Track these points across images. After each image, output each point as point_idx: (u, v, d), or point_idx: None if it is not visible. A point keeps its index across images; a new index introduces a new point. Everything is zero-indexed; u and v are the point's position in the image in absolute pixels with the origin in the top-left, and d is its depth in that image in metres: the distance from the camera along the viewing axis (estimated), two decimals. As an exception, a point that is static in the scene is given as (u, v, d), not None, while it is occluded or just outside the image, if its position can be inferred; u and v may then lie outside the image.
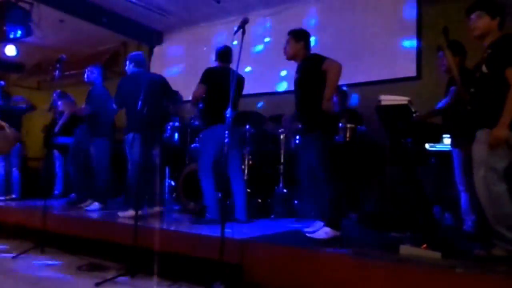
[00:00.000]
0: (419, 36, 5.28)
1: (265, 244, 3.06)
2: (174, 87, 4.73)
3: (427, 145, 4.10)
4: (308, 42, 3.56)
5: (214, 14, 6.78)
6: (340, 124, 4.38)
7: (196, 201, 4.56)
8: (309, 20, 6.16)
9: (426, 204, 3.95)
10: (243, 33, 3.10)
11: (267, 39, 6.57)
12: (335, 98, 5.02)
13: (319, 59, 3.35)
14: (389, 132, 3.86)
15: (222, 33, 6.85)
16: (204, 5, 6.51)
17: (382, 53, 5.49)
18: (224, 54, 4.19)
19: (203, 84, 4.02)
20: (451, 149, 3.68)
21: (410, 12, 5.37)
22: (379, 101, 3.44)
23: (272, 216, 4.50)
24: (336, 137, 4.35)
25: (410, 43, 5.34)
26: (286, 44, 3.57)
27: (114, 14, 6.82)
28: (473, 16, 2.79)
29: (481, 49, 2.85)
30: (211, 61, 6.55)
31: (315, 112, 3.29)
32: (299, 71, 3.51)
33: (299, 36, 3.54)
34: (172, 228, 3.75)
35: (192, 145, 5.33)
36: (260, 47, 6.64)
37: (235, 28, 3.13)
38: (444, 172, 4.00)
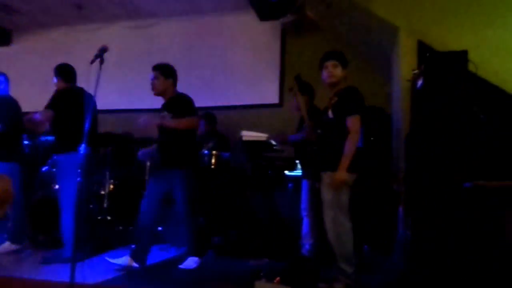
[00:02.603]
0: (282, 66, 5.66)
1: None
2: (22, 93, 4.19)
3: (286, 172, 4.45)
4: (176, 80, 3.57)
5: (74, 19, 6.25)
6: (205, 151, 4.42)
7: (47, 233, 4.10)
8: (174, 38, 6.15)
9: (283, 228, 4.26)
10: (102, 62, 2.91)
11: (131, 52, 6.29)
12: (202, 122, 5.12)
13: (185, 101, 3.47)
14: (251, 162, 4.06)
15: (78, 38, 6.40)
16: (63, 8, 5.95)
17: (248, 80, 5.74)
18: (70, 72, 3.84)
19: (52, 109, 3.61)
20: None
21: (274, 42, 5.72)
22: (241, 136, 3.58)
23: (133, 247, 4.30)
24: (201, 164, 4.39)
25: (274, 72, 5.69)
26: (154, 79, 3.50)
27: None
28: (328, 63, 3.05)
29: (329, 95, 3.18)
30: None
31: (179, 149, 3.37)
32: (166, 109, 3.49)
33: (168, 72, 3.53)
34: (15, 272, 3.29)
35: (44, 168, 4.80)
36: (121, 59, 6.32)
37: (94, 57, 2.91)
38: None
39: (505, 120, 3.41)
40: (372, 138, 4.42)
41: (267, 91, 5.66)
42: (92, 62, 2.90)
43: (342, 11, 4.22)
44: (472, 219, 2.62)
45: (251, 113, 5.66)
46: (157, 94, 3.53)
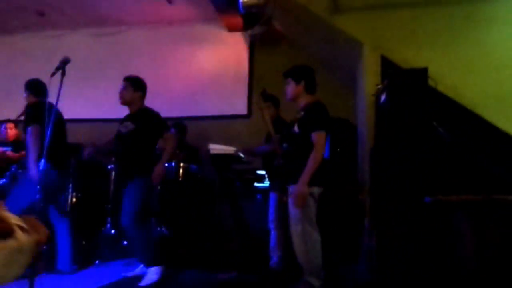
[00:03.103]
0: (250, 77, 5.70)
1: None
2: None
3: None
4: (145, 94, 3.53)
5: (37, 26, 6.05)
6: (172, 163, 4.36)
7: None
8: (141, 47, 6.10)
9: (251, 241, 4.26)
10: (63, 74, 2.83)
11: (94, 59, 6.15)
12: (172, 130, 5.07)
13: (154, 116, 3.44)
14: (219, 175, 4.04)
15: (41, 45, 6.22)
16: (25, 14, 5.76)
17: (216, 90, 5.74)
18: (41, 87, 3.70)
19: (36, 123, 3.44)
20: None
21: (243, 54, 5.75)
22: (209, 149, 3.57)
23: (97, 262, 4.18)
24: (170, 178, 4.33)
25: (242, 83, 5.72)
26: (123, 89, 3.45)
27: None
28: (285, 82, 3.12)
29: (295, 110, 3.22)
30: (26, 75, 5.94)
31: (139, 161, 3.34)
32: (131, 119, 3.43)
33: (138, 85, 3.48)
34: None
35: (1, 181, 4.59)
36: (83, 67, 6.18)
37: (55, 69, 2.83)
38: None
39: (462, 133, 3.56)
40: (338, 149, 4.52)
41: (236, 102, 5.67)
42: (53, 75, 2.82)
43: (308, 25, 4.30)
44: (433, 232, 2.71)
45: (220, 124, 5.65)
46: (124, 103, 3.48)
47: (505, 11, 3.46)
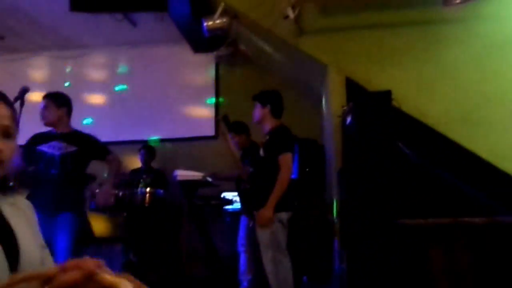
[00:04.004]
0: (217, 99, 5.65)
1: None
2: None
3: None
4: (70, 110, 3.20)
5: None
6: (140, 190, 4.22)
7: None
8: (106, 69, 5.98)
9: (221, 265, 4.15)
10: (22, 104, 2.68)
11: (66, 83, 5.95)
12: (142, 152, 4.92)
13: (90, 136, 3.19)
14: (187, 200, 3.94)
15: (6, 70, 5.94)
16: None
17: (183, 112, 5.66)
18: None
19: None
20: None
21: (209, 74, 5.70)
22: (175, 176, 3.47)
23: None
24: (136, 204, 4.18)
25: (210, 105, 5.65)
26: (44, 108, 3.07)
27: None
28: (254, 104, 3.13)
29: (262, 134, 3.20)
30: None
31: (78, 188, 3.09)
32: (70, 141, 3.08)
33: (61, 102, 3.13)
34: None
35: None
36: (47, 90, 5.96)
37: (14, 99, 2.65)
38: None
39: (428, 152, 3.61)
40: (307, 169, 4.51)
41: (202, 123, 5.59)
42: (13, 103, 2.66)
43: (274, 47, 4.31)
44: (403, 254, 2.70)
45: (186, 145, 5.54)
46: (48, 124, 3.10)
47: (465, 31, 3.56)
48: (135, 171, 4.97)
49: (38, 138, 3.12)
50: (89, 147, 3.14)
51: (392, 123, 3.07)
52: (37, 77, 6.02)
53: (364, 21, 3.75)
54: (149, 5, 2.84)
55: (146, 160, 5.02)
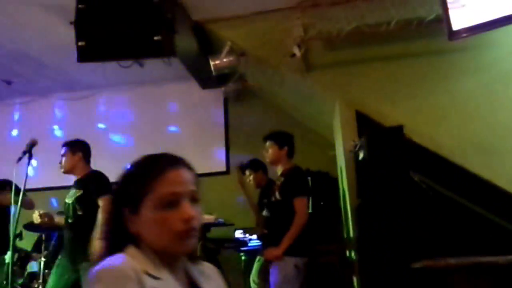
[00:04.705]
0: (227, 133, 5.64)
1: None
2: None
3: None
4: (86, 154, 3.24)
5: (4, 94, 5.91)
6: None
7: None
8: (114, 109, 6.04)
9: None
10: (30, 157, 2.69)
11: (68, 124, 6.01)
12: None
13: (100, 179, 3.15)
14: (200, 243, 3.87)
15: (10, 112, 6.09)
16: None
17: (193, 148, 5.62)
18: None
19: None
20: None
21: (217, 110, 5.72)
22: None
23: None
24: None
25: (219, 140, 5.64)
26: (62, 156, 3.14)
27: None
28: (266, 144, 3.10)
29: (275, 176, 3.16)
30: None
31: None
32: (78, 186, 3.12)
33: (76, 148, 3.17)
34: None
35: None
36: (58, 132, 6.03)
37: (22, 153, 2.67)
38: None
39: (445, 184, 3.52)
40: (321, 203, 4.42)
41: (214, 159, 5.56)
42: (19, 160, 2.69)
43: (281, 83, 4.31)
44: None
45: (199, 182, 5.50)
46: (66, 172, 3.16)
47: (476, 60, 3.50)
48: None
49: None
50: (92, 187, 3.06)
51: (406, 157, 3.00)
52: (45, 119, 6.06)
53: (372, 54, 3.73)
54: (157, 51, 2.87)
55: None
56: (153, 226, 0.94)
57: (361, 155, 3.20)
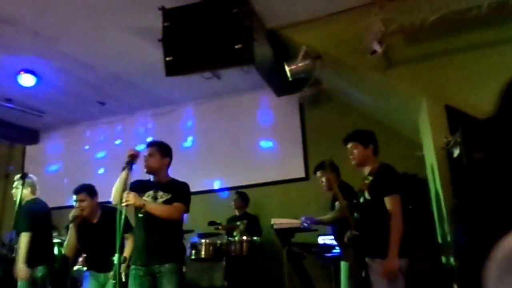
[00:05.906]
0: (304, 139, 5.59)
1: None
2: (52, 187, 4.16)
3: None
4: (171, 161, 3.21)
5: (96, 113, 6.45)
6: (236, 239, 4.20)
7: None
8: (195, 121, 6.28)
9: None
10: (130, 169, 2.85)
11: (149, 139, 6.36)
12: (235, 198, 4.99)
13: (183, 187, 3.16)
14: (285, 249, 3.84)
15: (103, 131, 6.64)
16: (87, 106, 6.18)
17: (272, 156, 5.68)
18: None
19: None
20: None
21: (293, 116, 5.70)
22: (272, 224, 3.42)
23: None
24: (232, 254, 4.16)
25: (297, 146, 5.61)
26: (149, 155, 3.09)
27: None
28: (348, 147, 2.99)
29: (361, 175, 3.03)
30: (92, 160, 6.30)
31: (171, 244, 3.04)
32: (162, 189, 3.08)
33: (166, 152, 3.16)
34: None
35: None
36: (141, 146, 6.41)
37: (126, 164, 2.85)
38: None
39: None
40: (410, 207, 4.17)
41: (292, 166, 5.53)
42: (124, 169, 2.84)
43: (359, 83, 4.17)
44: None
45: (278, 189, 5.51)
46: (149, 172, 3.12)
47: None
48: (232, 219, 5.02)
49: (138, 186, 3.08)
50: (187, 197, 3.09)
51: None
52: (132, 135, 6.47)
53: (458, 43, 3.47)
54: (238, 60, 2.93)
55: (240, 206, 5.08)
56: None
57: (456, 152, 2.97)
